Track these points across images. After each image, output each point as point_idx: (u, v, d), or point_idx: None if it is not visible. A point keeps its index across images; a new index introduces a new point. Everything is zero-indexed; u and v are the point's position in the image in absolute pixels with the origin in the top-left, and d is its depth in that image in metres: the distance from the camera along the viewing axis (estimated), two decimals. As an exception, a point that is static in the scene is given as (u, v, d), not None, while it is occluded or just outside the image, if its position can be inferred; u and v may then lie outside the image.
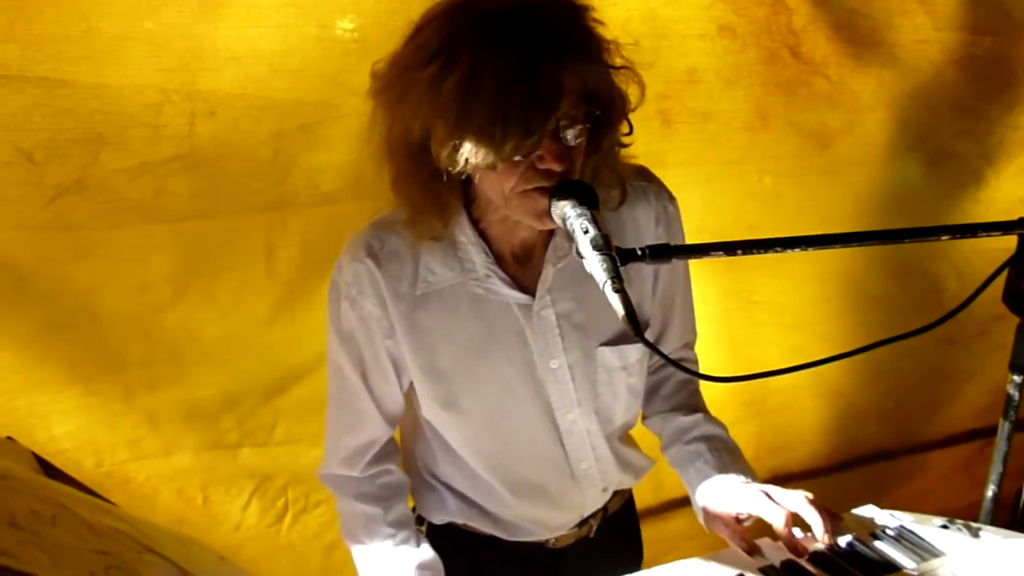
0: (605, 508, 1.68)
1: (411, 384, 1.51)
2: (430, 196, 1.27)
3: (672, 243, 1.36)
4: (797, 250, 1.21)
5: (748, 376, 1.15)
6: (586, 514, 1.65)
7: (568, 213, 1.17)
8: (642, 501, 2.59)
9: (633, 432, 1.69)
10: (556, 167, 1.19)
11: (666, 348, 1.58)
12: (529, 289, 1.41)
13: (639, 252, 1.15)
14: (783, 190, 2.48)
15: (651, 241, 1.14)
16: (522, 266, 1.42)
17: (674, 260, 1.46)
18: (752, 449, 2.69)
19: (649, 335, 1.51)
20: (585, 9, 1.23)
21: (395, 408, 1.54)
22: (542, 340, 1.43)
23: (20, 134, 1.62)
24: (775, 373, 1.20)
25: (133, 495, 1.95)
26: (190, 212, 1.80)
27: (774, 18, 2.25)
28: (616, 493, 1.69)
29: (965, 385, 2.96)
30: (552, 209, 1.20)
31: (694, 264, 2.46)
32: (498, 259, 1.40)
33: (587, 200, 1.18)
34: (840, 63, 2.37)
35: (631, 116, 1.31)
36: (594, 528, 1.68)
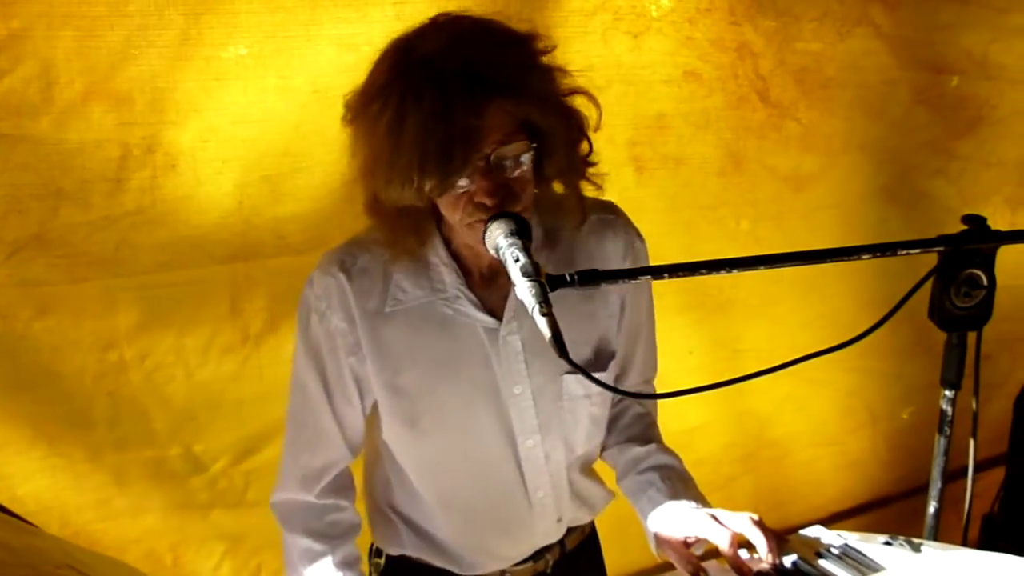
0: (562, 543, 1.66)
1: (373, 408, 1.51)
2: (404, 217, 1.31)
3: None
4: (722, 272, 1.26)
5: (695, 389, 1.21)
6: (539, 546, 1.63)
7: (500, 243, 1.21)
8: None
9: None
10: (487, 202, 1.24)
11: (628, 381, 1.60)
12: (495, 312, 1.43)
13: (568, 278, 1.19)
14: (763, 234, 2.47)
15: None
16: (488, 287, 1.44)
17: (638, 296, 1.56)
18: (752, 502, 2.63)
19: (613, 369, 1.54)
20: (521, 43, 1.26)
21: (356, 433, 1.53)
22: (506, 365, 1.44)
23: (-24, 190, 1.62)
24: (713, 387, 1.27)
25: (100, 557, 1.90)
26: (153, 266, 1.79)
27: (739, 63, 2.26)
28: (575, 529, 1.67)
29: (958, 425, 2.91)
30: (486, 239, 1.23)
31: (683, 316, 2.48)
32: (467, 278, 1.42)
33: (518, 230, 1.22)
34: (810, 106, 2.38)
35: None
36: (550, 564, 1.65)
